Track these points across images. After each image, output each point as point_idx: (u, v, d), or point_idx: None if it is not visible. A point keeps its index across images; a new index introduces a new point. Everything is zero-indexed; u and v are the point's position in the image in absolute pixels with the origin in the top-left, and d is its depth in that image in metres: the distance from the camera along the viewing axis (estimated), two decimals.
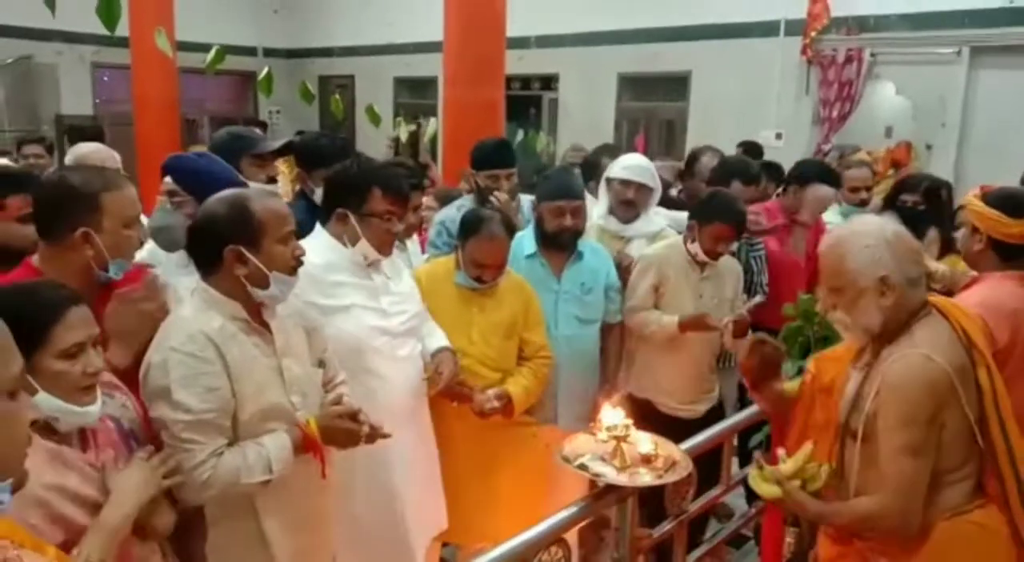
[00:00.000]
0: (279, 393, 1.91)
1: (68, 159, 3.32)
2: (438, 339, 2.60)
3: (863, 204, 4.16)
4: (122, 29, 3.46)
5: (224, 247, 1.84)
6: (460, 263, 2.75)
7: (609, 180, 3.49)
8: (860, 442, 1.89)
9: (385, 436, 2.02)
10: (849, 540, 2.02)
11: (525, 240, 3.08)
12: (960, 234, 2.55)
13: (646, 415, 3.28)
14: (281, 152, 3.15)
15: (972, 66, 7.51)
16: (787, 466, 1.95)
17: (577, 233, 3.04)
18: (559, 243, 3.03)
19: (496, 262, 2.72)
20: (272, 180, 3.00)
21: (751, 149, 5.53)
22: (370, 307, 2.39)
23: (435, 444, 2.61)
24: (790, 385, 2.30)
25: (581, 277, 3.08)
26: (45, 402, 1.50)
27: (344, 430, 1.94)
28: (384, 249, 2.42)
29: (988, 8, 7.24)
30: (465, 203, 3.54)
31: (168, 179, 2.42)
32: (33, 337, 1.49)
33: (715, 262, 3.20)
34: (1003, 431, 1.86)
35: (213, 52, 4.07)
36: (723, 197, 3.30)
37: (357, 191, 2.37)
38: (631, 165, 3.45)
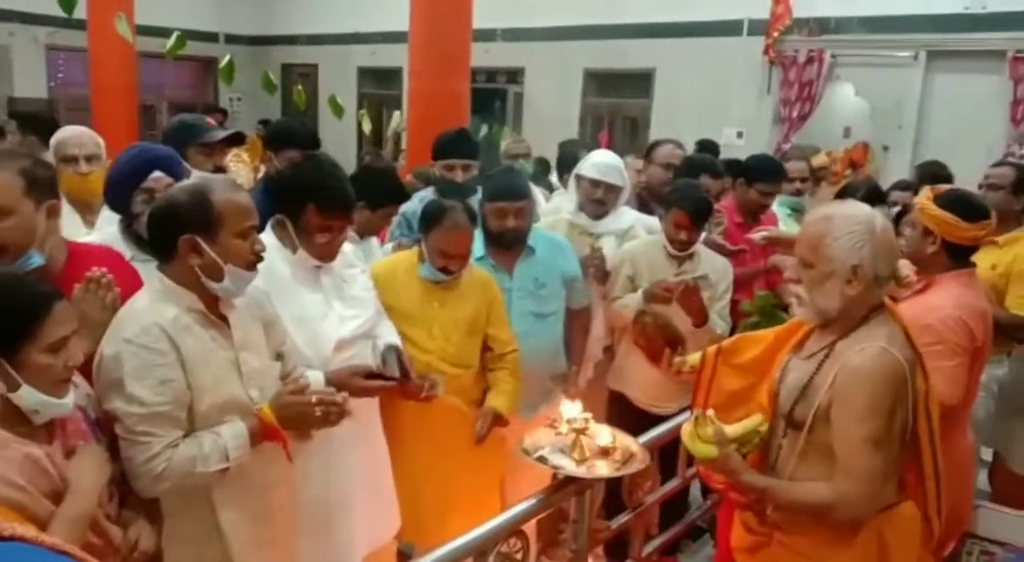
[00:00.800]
0: (236, 386, 1.89)
1: (52, 141, 3.25)
2: (386, 337, 2.54)
3: (799, 194, 4.34)
4: (79, 11, 3.38)
5: (180, 235, 1.82)
6: (424, 255, 2.72)
7: (579, 177, 3.50)
8: (806, 432, 1.90)
9: (344, 411, 1.95)
10: (768, 532, 2.03)
11: (475, 242, 3.08)
12: (907, 235, 2.59)
13: (621, 408, 3.35)
14: (232, 142, 3.12)
15: (928, 70, 7.69)
16: (733, 429, 1.95)
17: (520, 233, 3.03)
18: (504, 243, 3.03)
19: (461, 251, 2.70)
20: (219, 169, 2.97)
21: (708, 147, 5.64)
22: (318, 313, 2.33)
23: (386, 449, 2.57)
24: (692, 358, 2.31)
25: (534, 272, 3.08)
26: (29, 396, 1.53)
27: (295, 405, 1.89)
28: (324, 259, 2.35)
29: (945, 14, 7.42)
30: (427, 195, 3.54)
31: (159, 174, 2.35)
32: (21, 331, 1.51)
33: (688, 255, 3.22)
34: (930, 431, 1.91)
35: (174, 38, 4.02)
36: (683, 186, 3.35)
37: (294, 202, 2.28)
38: (600, 163, 3.45)
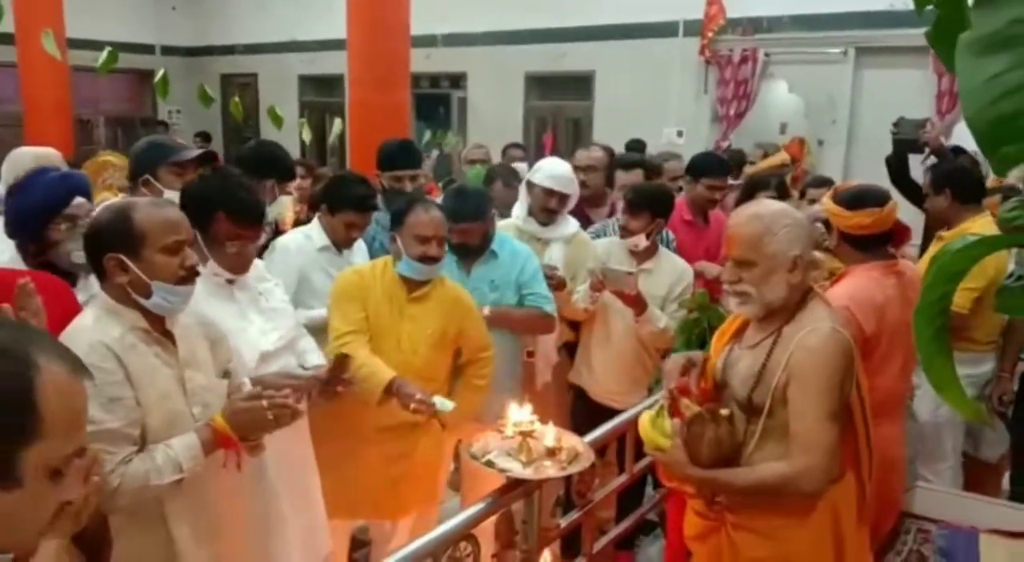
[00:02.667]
0: (180, 403, 1.90)
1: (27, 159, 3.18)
2: (314, 357, 2.55)
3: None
4: (7, 26, 3.34)
5: (105, 255, 1.84)
6: (401, 252, 2.71)
7: (531, 185, 3.54)
8: (765, 416, 1.98)
9: (297, 412, 1.96)
10: (719, 516, 2.11)
11: None
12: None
13: (581, 404, 3.46)
14: (203, 161, 3.13)
15: (858, 66, 7.93)
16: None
17: (478, 247, 3.08)
18: (464, 254, 3.10)
19: (438, 233, 2.70)
20: None
21: (636, 146, 5.85)
22: (236, 328, 2.31)
23: (314, 461, 2.58)
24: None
25: (491, 275, 3.13)
26: None
27: (248, 410, 1.89)
28: (237, 270, 2.36)
29: (872, 11, 7.64)
30: (378, 214, 3.55)
31: (81, 199, 2.33)
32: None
33: (648, 253, 3.32)
34: (861, 401, 2.03)
35: (105, 54, 3.97)
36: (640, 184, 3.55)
37: (202, 213, 2.27)
38: (556, 175, 3.49)
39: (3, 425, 0.92)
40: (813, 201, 4.06)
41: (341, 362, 2.42)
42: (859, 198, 2.58)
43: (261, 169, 3.13)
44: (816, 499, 1.97)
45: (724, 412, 2.01)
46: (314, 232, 3.13)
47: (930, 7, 0.77)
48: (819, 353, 1.90)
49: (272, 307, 2.46)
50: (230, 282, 2.37)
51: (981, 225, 3.42)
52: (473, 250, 3.09)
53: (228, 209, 2.29)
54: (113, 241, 1.84)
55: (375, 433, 2.71)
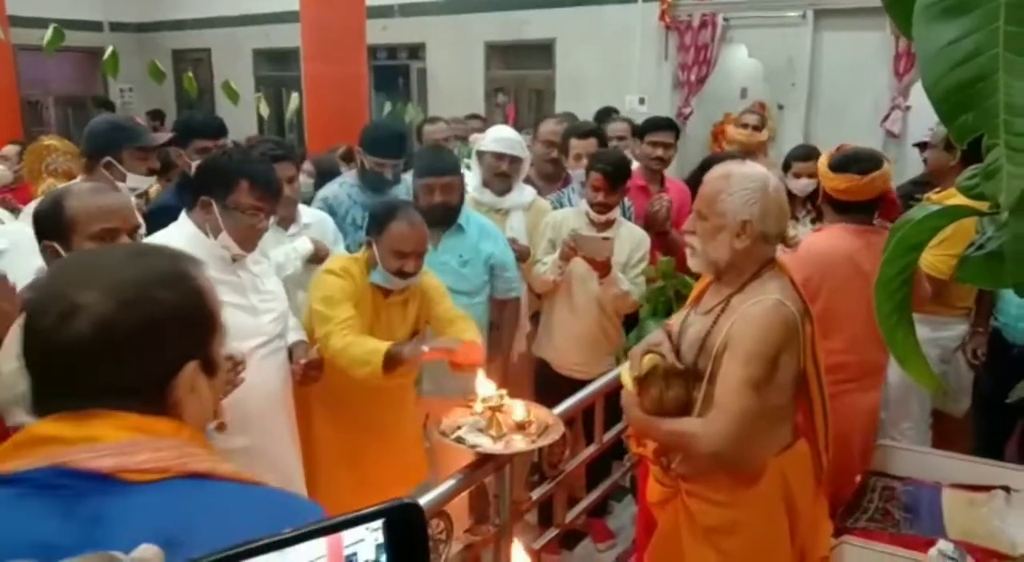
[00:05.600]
0: None
1: None
2: (294, 334, 2.57)
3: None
4: None
5: (42, 242, 1.85)
6: (376, 259, 2.61)
7: (481, 153, 3.55)
8: (706, 383, 1.99)
9: (238, 363, 1.96)
10: (674, 483, 2.13)
11: None
12: None
13: (545, 376, 3.46)
14: (169, 143, 3.20)
15: (816, 28, 7.92)
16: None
17: (449, 208, 3.05)
18: (433, 218, 3.01)
19: (418, 249, 2.60)
20: (152, 172, 2.99)
21: (607, 114, 5.77)
22: (236, 303, 2.30)
23: (298, 444, 2.58)
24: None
25: (459, 249, 3.11)
26: None
27: None
28: (246, 244, 2.33)
29: None
30: (347, 179, 3.53)
31: None
32: None
33: (608, 223, 3.32)
34: (817, 374, 2.05)
35: (51, 31, 3.84)
36: (602, 151, 3.54)
37: (224, 180, 2.30)
38: (501, 138, 3.53)
39: (204, 326, 1.04)
40: (799, 175, 3.88)
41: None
42: (844, 163, 2.63)
43: (188, 134, 3.25)
44: (761, 469, 1.99)
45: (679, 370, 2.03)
46: None
47: None
48: (756, 322, 1.90)
49: (268, 289, 2.46)
50: (234, 260, 2.35)
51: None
52: (442, 221, 3.05)
53: (252, 178, 2.30)
54: (47, 228, 1.84)
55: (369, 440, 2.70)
